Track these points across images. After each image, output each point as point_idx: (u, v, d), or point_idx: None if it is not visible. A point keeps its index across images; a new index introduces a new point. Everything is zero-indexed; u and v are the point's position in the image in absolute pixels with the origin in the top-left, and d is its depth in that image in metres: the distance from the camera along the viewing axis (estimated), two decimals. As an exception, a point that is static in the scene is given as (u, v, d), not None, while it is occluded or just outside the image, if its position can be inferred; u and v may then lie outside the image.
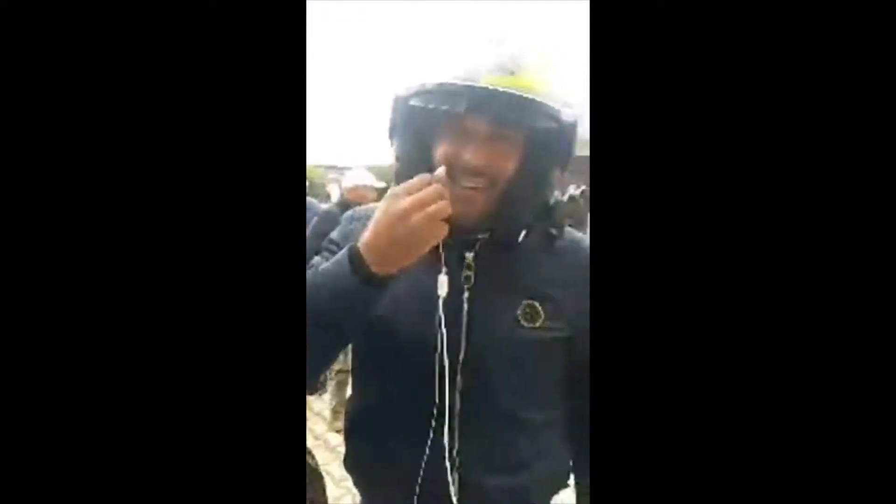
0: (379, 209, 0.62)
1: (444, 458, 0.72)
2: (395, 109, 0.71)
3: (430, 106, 0.67)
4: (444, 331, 0.69)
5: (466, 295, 0.73)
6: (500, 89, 0.63)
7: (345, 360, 2.78)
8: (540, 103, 0.65)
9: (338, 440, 2.94)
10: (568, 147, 0.73)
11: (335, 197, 4.21)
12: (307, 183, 3.74)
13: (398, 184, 0.63)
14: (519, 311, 0.75)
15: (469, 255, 0.74)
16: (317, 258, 0.78)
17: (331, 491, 1.86)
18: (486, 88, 0.63)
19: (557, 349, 0.79)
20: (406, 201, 0.59)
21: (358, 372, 0.84)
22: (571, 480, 0.90)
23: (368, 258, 0.60)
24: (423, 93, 0.69)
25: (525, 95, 0.64)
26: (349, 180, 3.30)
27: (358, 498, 0.88)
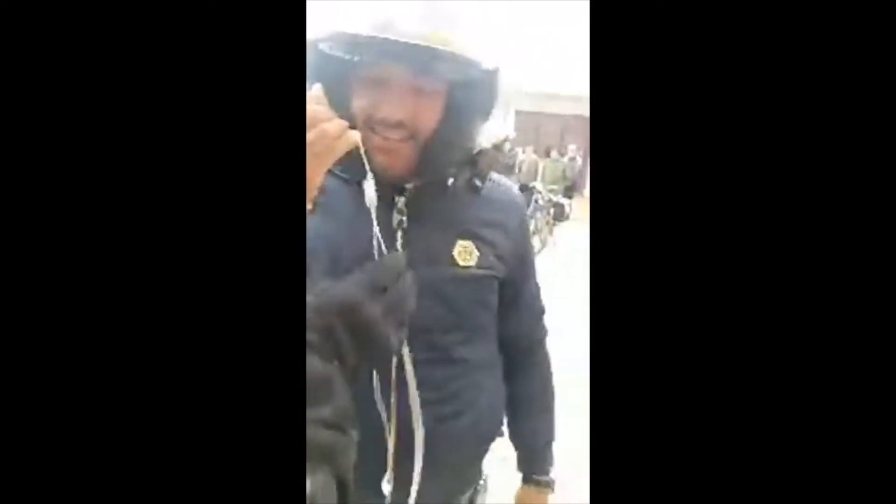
0: None
1: (377, 401, 0.73)
2: (309, 55, 0.67)
3: (346, 56, 0.67)
4: None
5: (400, 237, 0.74)
6: (418, 42, 0.63)
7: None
8: (458, 55, 0.65)
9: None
10: (490, 95, 0.73)
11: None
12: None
13: None
14: (455, 251, 0.77)
15: (400, 200, 0.75)
16: None
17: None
18: (404, 42, 0.63)
19: (491, 288, 0.82)
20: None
21: None
22: (505, 429, 0.94)
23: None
24: (338, 41, 0.68)
25: (443, 48, 0.64)
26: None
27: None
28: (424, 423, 0.74)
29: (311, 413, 0.43)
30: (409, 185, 0.75)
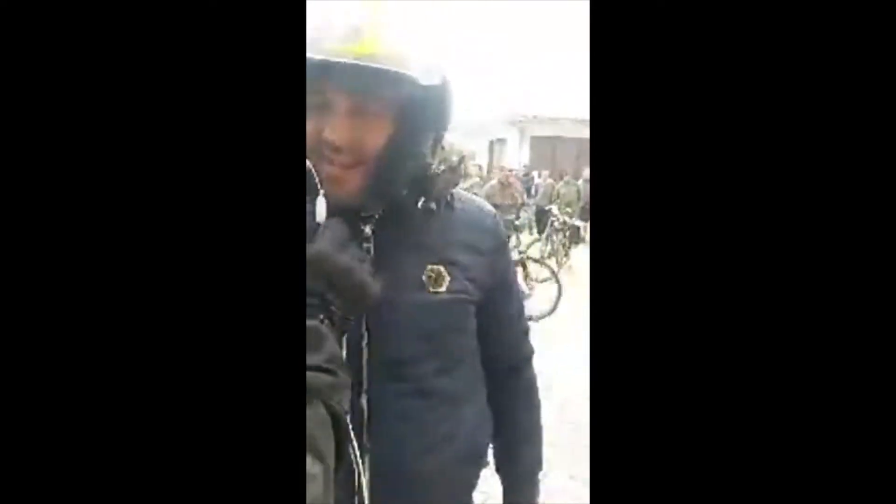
0: None
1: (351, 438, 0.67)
2: None
3: None
4: None
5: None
6: (348, 61, 0.61)
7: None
8: (394, 72, 0.62)
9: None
10: (439, 111, 0.70)
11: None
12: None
13: None
14: (424, 277, 0.74)
15: (367, 228, 0.72)
16: None
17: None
18: (333, 62, 0.61)
19: (466, 313, 0.79)
20: None
21: None
22: (491, 459, 0.89)
23: None
24: None
25: (376, 66, 0.61)
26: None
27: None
28: (403, 458, 0.72)
29: (307, 360, 0.48)
30: (374, 213, 0.72)
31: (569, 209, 8.52)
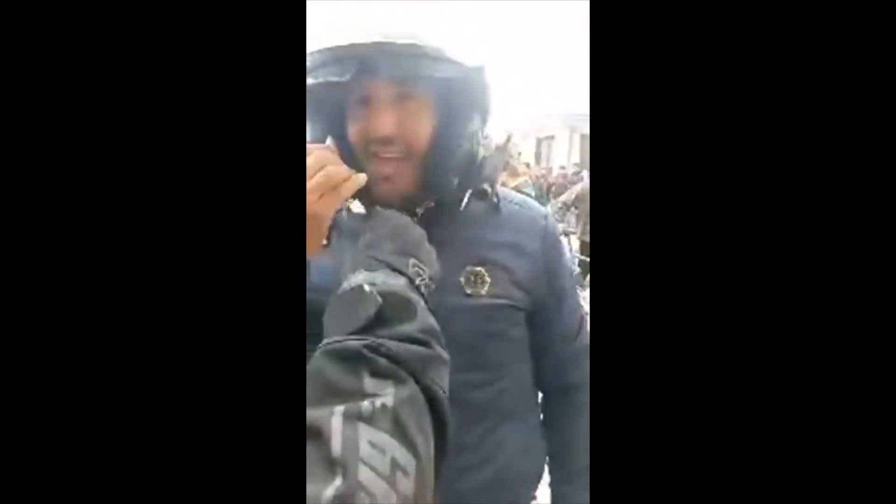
0: None
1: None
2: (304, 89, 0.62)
3: (335, 78, 0.60)
4: None
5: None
6: (388, 41, 0.58)
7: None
8: (434, 52, 0.60)
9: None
10: (482, 94, 0.67)
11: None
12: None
13: None
14: (462, 278, 0.69)
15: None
16: None
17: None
18: (372, 43, 0.58)
19: (511, 321, 0.72)
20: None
21: None
22: (546, 478, 0.82)
23: None
24: (316, 61, 0.61)
25: (414, 48, 0.59)
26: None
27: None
28: (448, 485, 0.64)
29: (396, 330, 0.43)
30: (419, 210, 0.68)
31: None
